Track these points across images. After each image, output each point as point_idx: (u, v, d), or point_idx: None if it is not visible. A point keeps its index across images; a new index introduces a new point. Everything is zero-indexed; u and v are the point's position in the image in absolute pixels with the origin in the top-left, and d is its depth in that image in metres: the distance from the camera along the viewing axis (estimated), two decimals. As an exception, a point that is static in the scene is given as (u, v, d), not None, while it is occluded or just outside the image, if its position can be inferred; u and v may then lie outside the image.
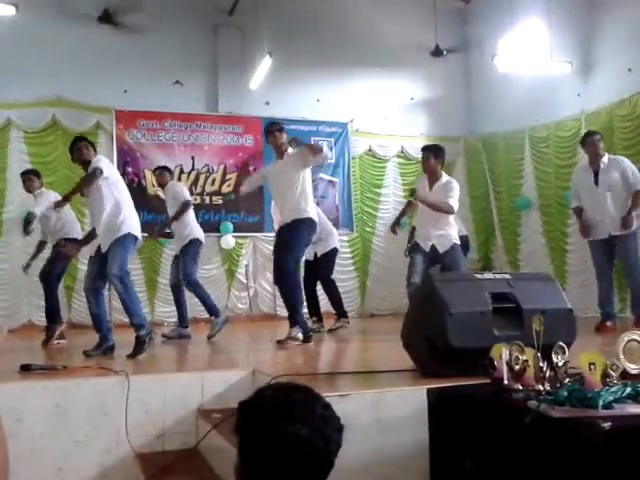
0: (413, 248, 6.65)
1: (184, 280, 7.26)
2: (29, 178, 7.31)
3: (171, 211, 7.47)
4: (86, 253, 6.06)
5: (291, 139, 6.28)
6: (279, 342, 5.92)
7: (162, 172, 7.76)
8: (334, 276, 8.13)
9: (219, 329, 7.04)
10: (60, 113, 9.58)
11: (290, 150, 6.17)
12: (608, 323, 6.65)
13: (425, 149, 6.70)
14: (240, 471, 1.60)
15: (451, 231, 6.47)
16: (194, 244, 7.36)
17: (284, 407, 1.55)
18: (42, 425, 3.71)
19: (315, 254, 7.88)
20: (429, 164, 6.52)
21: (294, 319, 6.01)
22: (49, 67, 9.50)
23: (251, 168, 10.36)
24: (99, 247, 5.54)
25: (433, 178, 6.53)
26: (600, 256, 6.86)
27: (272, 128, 6.25)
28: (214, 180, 10.55)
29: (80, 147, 5.71)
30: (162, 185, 7.75)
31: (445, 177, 6.57)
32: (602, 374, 2.59)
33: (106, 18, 10.00)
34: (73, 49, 9.74)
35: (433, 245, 6.41)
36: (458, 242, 6.51)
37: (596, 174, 6.78)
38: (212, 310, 7.23)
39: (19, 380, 4.00)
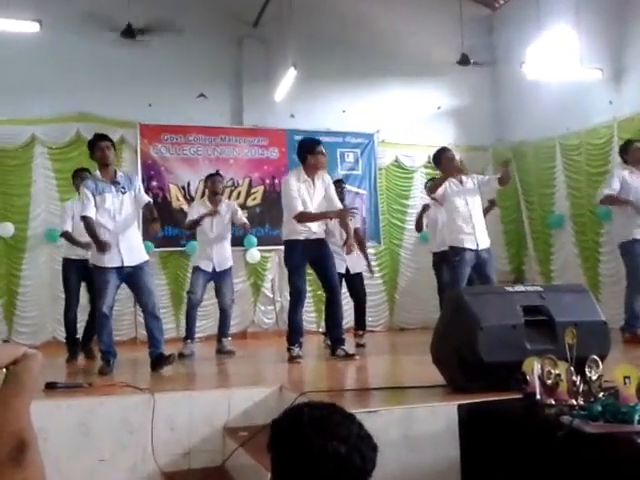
0: None
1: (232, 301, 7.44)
2: None
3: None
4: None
5: None
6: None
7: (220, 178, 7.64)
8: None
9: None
10: (84, 128, 9.54)
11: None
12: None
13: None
14: None
15: None
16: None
17: (323, 425, 1.56)
18: (67, 444, 3.70)
19: (347, 269, 7.67)
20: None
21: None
22: (73, 82, 9.52)
23: (276, 181, 10.30)
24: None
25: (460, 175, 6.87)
26: None
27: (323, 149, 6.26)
28: (239, 193, 10.47)
29: (108, 147, 5.66)
30: (217, 193, 7.44)
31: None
32: (637, 388, 2.54)
33: (129, 32, 10.01)
34: (96, 64, 9.77)
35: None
36: None
37: None
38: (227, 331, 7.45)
39: (44, 399, 3.97)
